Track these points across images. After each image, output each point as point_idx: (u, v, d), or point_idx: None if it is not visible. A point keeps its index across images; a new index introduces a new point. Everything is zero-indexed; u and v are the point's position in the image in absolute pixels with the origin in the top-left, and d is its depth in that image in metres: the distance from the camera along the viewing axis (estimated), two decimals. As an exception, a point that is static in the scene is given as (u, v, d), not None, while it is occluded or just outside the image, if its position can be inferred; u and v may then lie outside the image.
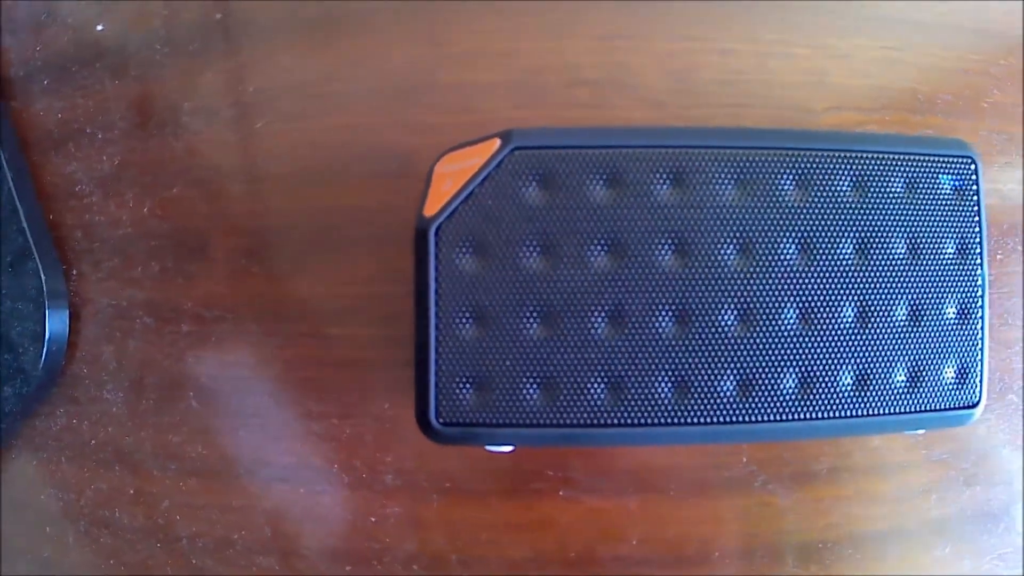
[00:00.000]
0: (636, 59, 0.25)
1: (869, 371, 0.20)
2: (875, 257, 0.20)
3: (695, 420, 0.19)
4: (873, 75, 0.26)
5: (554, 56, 0.25)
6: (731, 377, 0.19)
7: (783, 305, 0.20)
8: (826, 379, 0.20)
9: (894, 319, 0.20)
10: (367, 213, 0.25)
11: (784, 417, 0.19)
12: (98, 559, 0.26)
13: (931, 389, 0.21)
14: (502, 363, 0.19)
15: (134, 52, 0.26)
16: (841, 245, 0.20)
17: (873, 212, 0.20)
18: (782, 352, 0.20)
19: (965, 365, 0.21)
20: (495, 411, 0.19)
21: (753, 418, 0.19)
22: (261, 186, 0.25)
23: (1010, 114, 0.28)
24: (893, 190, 0.20)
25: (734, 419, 0.19)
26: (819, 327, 0.20)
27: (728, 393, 0.19)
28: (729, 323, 0.19)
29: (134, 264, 0.26)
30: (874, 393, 0.20)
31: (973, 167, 0.21)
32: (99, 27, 0.27)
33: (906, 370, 0.20)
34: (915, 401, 0.20)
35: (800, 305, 0.20)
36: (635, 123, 0.25)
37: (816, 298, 0.20)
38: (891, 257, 0.20)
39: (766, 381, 0.19)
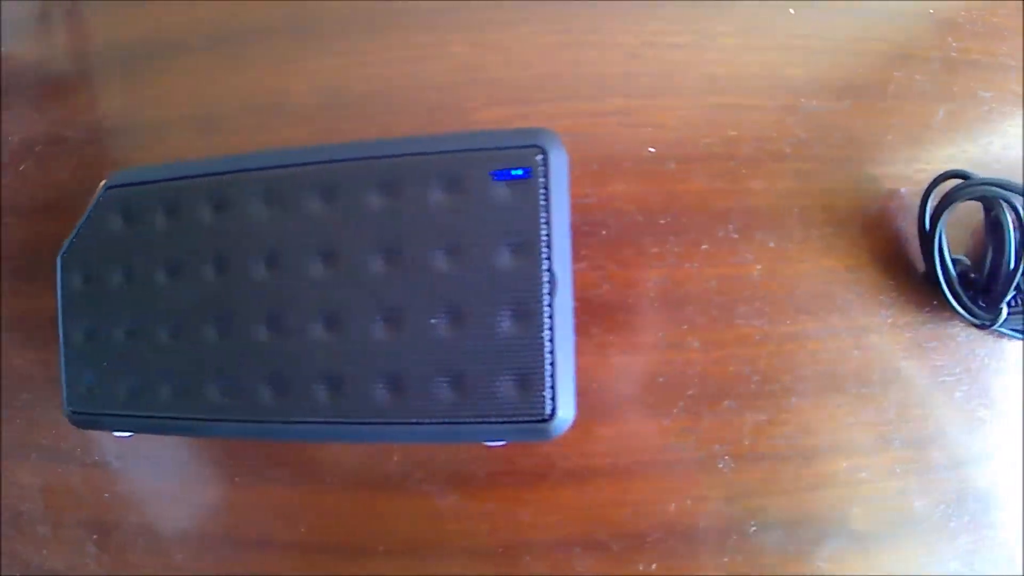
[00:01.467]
0: (293, 81, 0.26)
1: (399, 381, 0.20)
2: (405, 266, 0.20)
3: (234, 417, 0.21)
4: (536, 64, 0.25)
5: (228, 86, 0.27)
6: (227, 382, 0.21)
7: (309, 316, 0.20)
8: (353, 387, 0.20)
9: (429, 329, 0.20)
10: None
11: (314, 420, 0.20)
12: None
13: (484, 401, 0.20)
14: (102, 366, 0.22)
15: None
16: (365, 256, 0.20)
17: (404, 219, 0.20)
18: (312, 359, 0.20)
19: (527, 377, 0.20)
20: (100, 404, 0.22)
21: (288, 419, 0.20)
22: (21, 219, 0.30)
23: (726, 88, 0.25)
24: (428, 194, 0.20)
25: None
26: (345, 337, 0.20)
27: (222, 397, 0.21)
28: (257, 332, 0.21)
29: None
30: (407, 403, 0.20)
31: (541, 158, 0.20)
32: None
33: (447, 381, 0.20)
34: (465, 412, 0.20)
35: (326, 316, 0.20)
36: (291, 142, 0.26)
37: (340, 309, 0.20)
38: (424, 265, 0.20)
39: (298, 386, 0.20)
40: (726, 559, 0.25)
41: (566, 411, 0.20)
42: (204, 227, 0.21)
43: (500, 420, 0.20)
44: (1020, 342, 0.26)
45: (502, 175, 0.20)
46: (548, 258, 0.19)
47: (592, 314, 0.25)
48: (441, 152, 0.20)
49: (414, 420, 0.20)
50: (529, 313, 0.19)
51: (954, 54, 0.26)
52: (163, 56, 0.28)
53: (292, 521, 0.26)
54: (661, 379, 0.25)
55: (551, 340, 0.19)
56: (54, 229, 0.29)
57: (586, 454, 0.25)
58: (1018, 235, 0.23)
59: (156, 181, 0.22)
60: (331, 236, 0.20)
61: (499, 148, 0.20)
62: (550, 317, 0.19)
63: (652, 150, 0.25)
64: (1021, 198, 0.23)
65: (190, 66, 0.28)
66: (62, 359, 0.23)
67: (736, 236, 0.25)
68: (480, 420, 0.20)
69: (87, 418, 0.23)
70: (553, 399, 0.19)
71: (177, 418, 0.21)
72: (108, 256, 0.22)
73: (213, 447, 0.27)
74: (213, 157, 0.22)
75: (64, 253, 0.23)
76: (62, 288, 0.23)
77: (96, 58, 0.29)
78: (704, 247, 0.25)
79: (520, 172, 0.20)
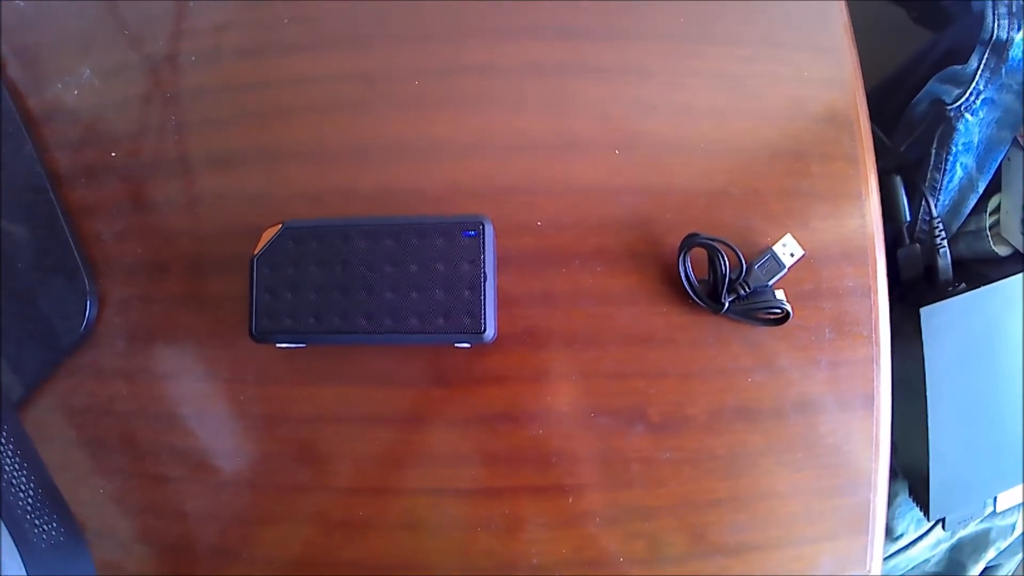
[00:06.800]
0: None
1: (404, 315, 0.45)
2: (419, 268, 0.45)
3: (346, 330, 0.46)
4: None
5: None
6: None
7: (380, 288, 0.46)
8: (393, 318, 0.45)
9: (420, 292, 0.45)
10: None
11: (379, 332, 0.45)
12: None
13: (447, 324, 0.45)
14: (275, 309, 0.47)
15: None
16: (403, 263, 0.45)
17: (417, 250, 0.45)
18: (380, 306, 0.45)
19: (474, 313, 0.45)
20: (273, 328, 0.47)
21: (372, 332, 0.45)
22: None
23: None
24: (432, 241, 0.45)
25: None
26: (393, 296, 0.45)
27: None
28: (359, 293, 0.46)
29: None
30: (407, 324, 0.45)
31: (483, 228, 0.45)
32: None
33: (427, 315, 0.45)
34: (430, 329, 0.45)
35: (390, 288, 0.46)
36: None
37: (399, 286, 0.45)
38: (424, 269, 0.45)
39: (375, 317, 0.45)
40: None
41: (490, 332, 0.45)
42: (336, 246, 0.47)
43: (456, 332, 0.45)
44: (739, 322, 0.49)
45: (467, 233, 0.45)
46: (484, 267, 0.45)
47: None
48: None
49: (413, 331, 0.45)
50: (475, 287, 0.45)
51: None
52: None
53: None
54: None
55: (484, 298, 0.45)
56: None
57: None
58: (724, 267, 0.47)
59: (311, 227, 0.48)
60: (390, 255, 0.46)
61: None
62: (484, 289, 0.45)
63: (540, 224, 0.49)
64: (722, 246, 0.47)
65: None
66: (253, 305, 0.48)
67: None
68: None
69: (264, 336, 0.48)
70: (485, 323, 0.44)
71: (316, 332, 0.46)
72: (283, 257, 0.48)
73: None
74: (341, 217, 0.48)
75: (257, 257, 0.49)
76: (257, 273, 0.48)
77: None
78: (571, 266, 0.49)
79: (472, 233, 0.45)
